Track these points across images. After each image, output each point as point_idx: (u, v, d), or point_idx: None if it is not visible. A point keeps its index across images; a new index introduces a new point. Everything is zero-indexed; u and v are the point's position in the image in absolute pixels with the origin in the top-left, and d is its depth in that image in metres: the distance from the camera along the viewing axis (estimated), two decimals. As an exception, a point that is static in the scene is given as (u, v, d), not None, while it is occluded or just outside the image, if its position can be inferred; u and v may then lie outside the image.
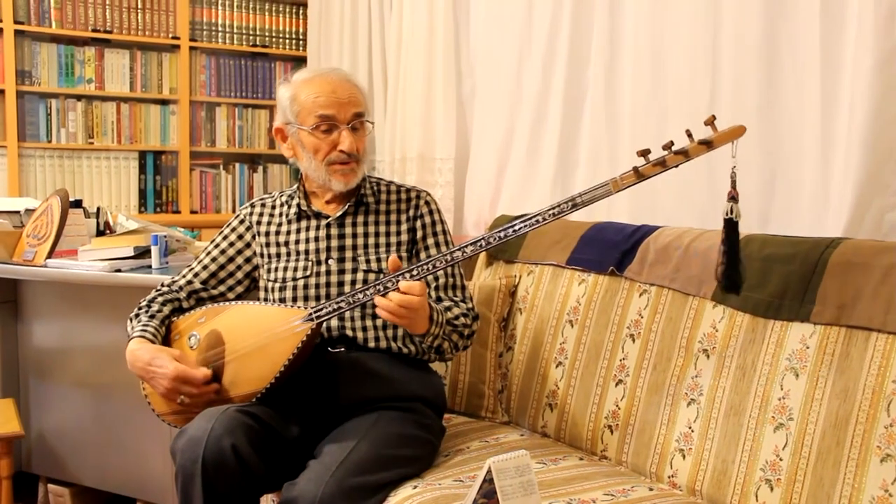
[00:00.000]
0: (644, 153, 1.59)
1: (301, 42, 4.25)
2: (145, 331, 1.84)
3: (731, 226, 1.62)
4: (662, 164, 1.59)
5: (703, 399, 1.77)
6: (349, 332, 1.89)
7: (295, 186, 2.03)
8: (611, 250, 2.11)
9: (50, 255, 2.51)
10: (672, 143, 1.58)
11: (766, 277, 1.72)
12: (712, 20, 2.16)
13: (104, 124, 3.86)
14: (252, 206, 2.06)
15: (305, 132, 1.89)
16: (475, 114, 3.01)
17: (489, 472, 1.35)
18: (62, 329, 2.67)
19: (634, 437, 1.89)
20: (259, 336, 1.78)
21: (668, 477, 1.80)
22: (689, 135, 1.57)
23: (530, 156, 2.74)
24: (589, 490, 1.70)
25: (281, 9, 4.21)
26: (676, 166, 1.60)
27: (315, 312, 1.75)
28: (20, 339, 2.76)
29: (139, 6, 3.86)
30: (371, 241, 1.95)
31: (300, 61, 4.25)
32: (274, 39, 4.21)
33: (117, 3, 3.81)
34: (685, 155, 1.57)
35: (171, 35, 3.94)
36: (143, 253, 2.49)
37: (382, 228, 1.96)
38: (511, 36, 2.80)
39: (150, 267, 2.44)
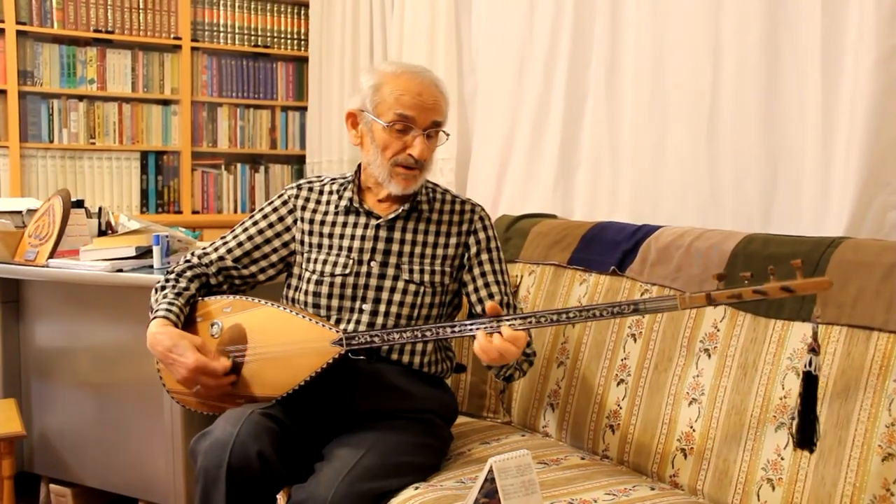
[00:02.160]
0: (720, 277, 1.52)
1: (303, 42, 4.26)
2: (170, 311, 1.79)
3: (810, 380, 1.52)
4: (738, 297, 1.51)
5: (705, 399, 1.77)
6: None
7: (350, 175, 1.95)
8: (612, 250, 2.11)
9: (52, 255, 2.51)
10: (751, 275, 1.51)
11: (768, 277, 1.71)
12: (713, 20, 2.15)
13: (106, 125, 3.86)
14: (299, 188, 1.97)
15: (379, 126, 1.82)
16: (477, 114, 3.01)
17: (491, 471, 1.35)
18: (64, 329, 2.67)
19: (636, 436, 1.89)
20: (284, 346, 1.74)
21: (670, 476, 1.79)
22: (772, 272, 1.49)
23: (532, 156, 2.73)
24: (590, 490, 1.70)
25: (282, 9, 4.22)
26: (750, 301, 1.53)
27: (347, 339, 1.71)
28: (22, 338, 2.76)
29: (141, 6, 3.86)
30: (418, 249, 1.89)
31: (302, 62, 4.25)
32: (275, 40, 4.21)
33: (119, 3, 3.82)
34: (764, 294, 1.50)
35: (172, 35, 3.95)
36: (144, 253, 2.49)
37: (432, 239, 1.91)
38: (512, 36, 2.79)
39: (151, 267, 2.44)
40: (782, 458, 1.59)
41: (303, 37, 4.25)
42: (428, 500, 1.61)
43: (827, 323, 1.60)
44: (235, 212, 4.16)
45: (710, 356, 1.80)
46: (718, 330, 1.80)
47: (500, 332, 1.60)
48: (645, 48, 2.35)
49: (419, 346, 1.88)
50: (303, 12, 4.24)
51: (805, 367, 1.52)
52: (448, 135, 1.90)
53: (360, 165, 1.95)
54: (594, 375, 2.03)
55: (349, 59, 3.80)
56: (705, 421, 1.75)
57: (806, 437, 1.52)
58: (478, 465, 1.81)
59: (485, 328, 1.62)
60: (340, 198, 1.93)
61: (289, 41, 4.25)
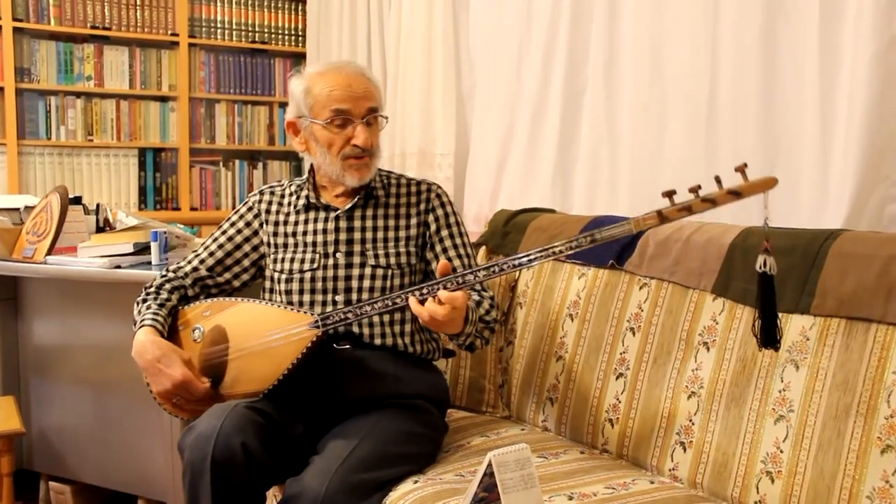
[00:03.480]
0: (669, 194, 1.52)
1: (300, 38, 4.25)
2: (155, 320, 1.82)
3: (766, 280, 1.53)
4: (688, 210, 1.51)
5: (704, 392, 1.77)
6: (355, 329, 1.88)
7: (305, 177, 2.00)
8: (610, 244, 2.09)
9: (49, 252, 2.50)
10: (699, 186, 1.51)
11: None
12: (711, 14, 2.15)
13: (104, 121, 3.85)
14: (261, 193, 2.03)
15: (319, 126, 1.87)
16: (475, 109, 3.01)
17: (490, 465, 1.35)
18: (62, 326, 2.67)
19: (635, 430, 1.89)
20: (264, 337, 1.77)
21: (669, 470, 1.79)
22: (719, 181, 1.50)
23: (530, 151, 2.73)
24: (590, 483, 1.70)
25: (280, 5, 4.21)
26: (702, 212, 1.53)
27: (322, 320, 1.73)
28: (20, 336, 2.76)
29: (138, 3, 3.85)
30: (380, 234, 1.93)
31: (299, 58, 4.25)
32: (273, 36, 4.21)
33: None
34: (712, 203, 1.49)
35: (170, 32, 3.94)
36: (142, 249, 2.49)
37: (392, 222, 1.94)
38: (510, 31, 2.79)
39: (149, 263, 2.44)
40: (781, 451, 1.59)
41: (300, 33, 4.25)
42: (427, 493, 1.61)
43: (826, 315, 1.60)
44: (233, 208, 4.13)
45: (708, 349, 1.80)
46: (717, 323, 1.80)
47: (437, 298, 1.60)
48: (643, 43, 2.34)
49: (398, 328, 1.90)
50: (300, 8, 4.23)
51: (760, 268, 1.53)
52: (387, 118, 1.94)
53: (312, 166, 1.99)
54: (593, 369, 2.03)
55: (347, 55, 3.79)
56: (704, 414, 1.75)
57: (770, 336, 1.55)
58: (477, 458, 1.81)
59: (442, 286, 1.61)
60: (299, 198, 1.98)
61: (286, 37, 4.24)
